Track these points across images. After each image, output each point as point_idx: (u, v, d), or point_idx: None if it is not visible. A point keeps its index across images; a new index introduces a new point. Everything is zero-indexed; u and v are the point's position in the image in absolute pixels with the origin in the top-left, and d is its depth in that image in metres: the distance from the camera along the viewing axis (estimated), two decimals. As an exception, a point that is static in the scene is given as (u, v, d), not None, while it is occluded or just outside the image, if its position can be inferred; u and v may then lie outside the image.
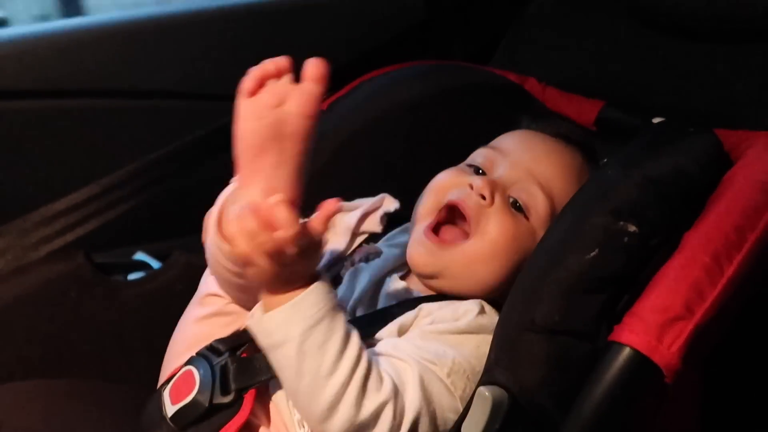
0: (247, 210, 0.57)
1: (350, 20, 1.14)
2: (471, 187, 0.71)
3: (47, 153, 1.02)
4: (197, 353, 0.71)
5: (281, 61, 0.60)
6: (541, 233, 0.70)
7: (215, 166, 1.00)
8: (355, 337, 0.62)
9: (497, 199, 0.71)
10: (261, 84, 0.60)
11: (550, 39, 1.08)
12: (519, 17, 1.12)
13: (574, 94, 1.01)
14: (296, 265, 0.59)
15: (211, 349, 0.71)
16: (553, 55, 1.07)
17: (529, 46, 1.10)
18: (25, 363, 0.79)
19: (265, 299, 0.62)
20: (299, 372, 0.60)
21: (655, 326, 0.54)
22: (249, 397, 0.68)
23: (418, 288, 0.74)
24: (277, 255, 0.57)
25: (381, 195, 0.83)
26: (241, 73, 1.10)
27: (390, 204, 0.83)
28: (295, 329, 0.59)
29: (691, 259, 0.56)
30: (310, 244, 0.59)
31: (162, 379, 0.76)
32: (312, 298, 0.60)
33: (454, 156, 0.83)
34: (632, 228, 0.58)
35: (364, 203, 0.83)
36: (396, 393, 0.60)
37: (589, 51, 1.03)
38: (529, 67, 1.07)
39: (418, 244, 0.73)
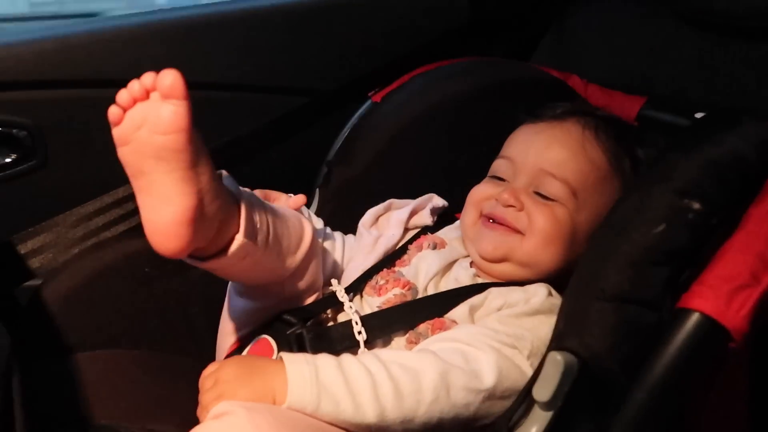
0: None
1: (399, 17, 1.18)
2: (498, 200, 0.78)
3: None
4: (265, 325, 0.76)
5: (135, 86, 0.62)
6: (575, 211, 0.77)
7: (269, 158, 1.05)
8: (377, 361, 0.64)
9: (525, 200, 0.77)
10: (125, 111, 0.63)
11: (592, 36, 1.12)
12: (560, 15, 1.17)
13: (616, 91, 1.05)
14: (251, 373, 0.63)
15: (281, 321, 0.75)
16: (594, 53, 1.11)
17: (571, 44, 1.14)
18: (101, 333, 0.83)
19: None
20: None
21: (723, 293, 0.57)
22: None
23: (483, 277, 0.79)
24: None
25: (428, 195, 0.90)
26: (296, 68, 1.15)
27: (437, 201, 0.89)
28: (309, 400, 0.62)
29: (755, 233, 0.60)
30: None
31: (221, 352, 0.80)
32: (293, 390, 0.62)
33: (497, 149, 0.87)
34: (696, 206, 0.62)
35: (413, 202, 0.89)
36: (447, 385, 0.63)
37: (631, 48, 1.06)
38: (571, 64, 1.11)
39: (482, 235, 0.78)
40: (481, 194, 0.81)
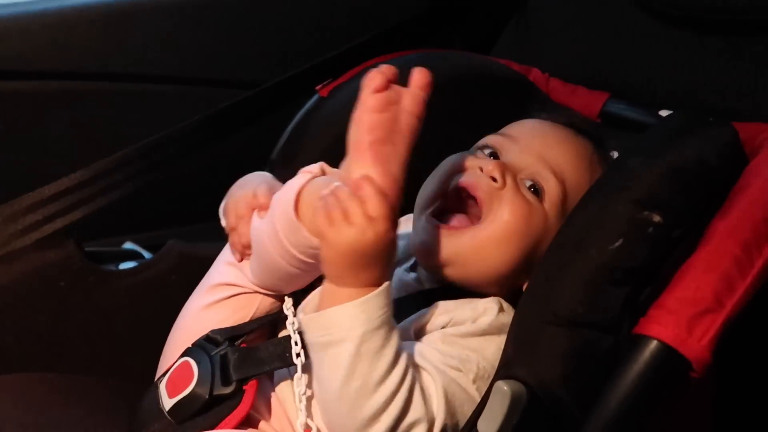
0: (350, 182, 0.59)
1: (352, 7, 1.11)
2: (481, 170, 0.70)
3: (36, 137, 0.98)
4: (193, 344, 0.69)
5: (394, 69, 0.65)
6: (552, 219, 0.69)
7: (205, 157, 0.98)
8: (403, 349, 0.60)
9: (509, 181, 0.69)
10: (387, 83, 0.64)
11: (553, 29, 1.06)
12: (521, 7, 1.11)
13: (578, 86, 1.00)
14: (377, 254, 0.58)
15: (208, 340, 0.69)
16: (555, 46, 1.05)
17: (532, 37, 1.08)
18: (9, 355, 0.75)
19: (327, 293, 0.60)
20: (350, 375, 0.57)
21: (684, 318, 0.52)
22: (250, 390, 0.66)
23: (426, 279, 0.72)
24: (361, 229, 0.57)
25: None
26: (238, 58, 1.08)
27: None
28: (357, 329, 0.57)
29: (720, 250, 0.55)
30: (390, 237, 0.59)
31: (160, 371, 0.73)
32: (380, 300, 0.59)
33: (456, 145, 0.81)
34: (657, 218, 0.56)
35: None
36: (427, 408, 0.59)
37: (593, 42, 1.01)
38: (532, 57, 1.06)
39: (423, 232, 0.70)
40: (461, 161, 0.72)
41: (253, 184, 0.77)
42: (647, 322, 0.54)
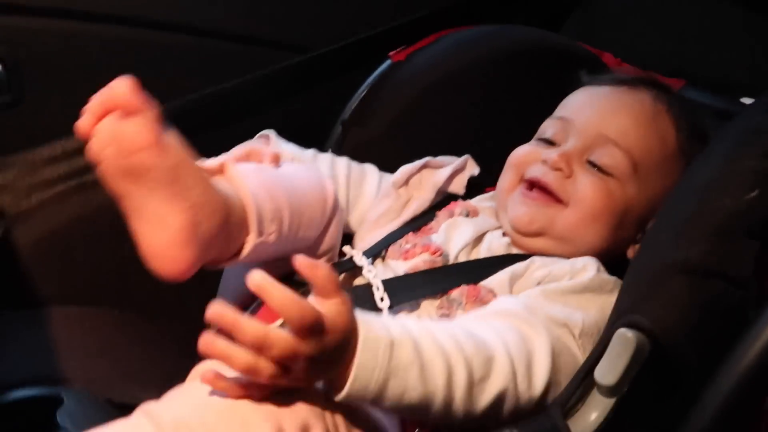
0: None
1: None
2: (545, 162, 0.70)
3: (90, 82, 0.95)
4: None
5: (95, 103, 0.56)
6: (630, 188, 0.69)
7: (273, 119, 0.95)
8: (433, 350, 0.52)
9: (575, 167, 0.70)
10: (90, 130, 0.56)
11: (626, 14, 1.06)
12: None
13: (652, 72, 0.99)
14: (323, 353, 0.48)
15: (291, 281, 0.65)
16: (629, 31, 1.05)
17: (604, 20, 1.08)
18: (81, 289, 0.72)
19: (336, 380, 0.51)
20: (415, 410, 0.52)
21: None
22: None
23: (518, 250, 0.71)
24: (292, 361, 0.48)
25: (465, 156, 0.81)
26: (299, 22, 1.05)
27: (473, 168, 0.80)
28: (371, 389, 0.50)
29: None
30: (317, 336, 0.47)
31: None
32: (364, 357, 0.49)
33: (527, 119, 0.81)
34: (791, 173, 0.55)
35: (449, 161, 0.80)
36: (514, 371, 0.55)
37: (667, 28, 1.01)
38: (603, 41, 1.05)
39: (519, 204, 0.71)
40: (525, 155, 0.73)
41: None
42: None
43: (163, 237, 0.56)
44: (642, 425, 0.56)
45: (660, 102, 0.74)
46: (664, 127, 0.72)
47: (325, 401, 0.52)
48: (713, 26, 0.96)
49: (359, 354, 0.49)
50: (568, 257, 0.68)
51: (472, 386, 0.53)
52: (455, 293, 0.65)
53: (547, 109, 0.81)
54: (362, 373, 0.49)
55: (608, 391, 0.53)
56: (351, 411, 0.53)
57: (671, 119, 0.73)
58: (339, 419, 0.53)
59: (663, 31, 1.01)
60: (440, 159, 0.80)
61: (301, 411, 0.50)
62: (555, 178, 0.69)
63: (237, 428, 0.48)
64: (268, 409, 0.50)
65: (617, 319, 0.55)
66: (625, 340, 0.52)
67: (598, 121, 0.71)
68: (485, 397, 0.54)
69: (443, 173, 0.78)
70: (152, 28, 0.98)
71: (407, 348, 0.50)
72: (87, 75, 0.93)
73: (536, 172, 0.70)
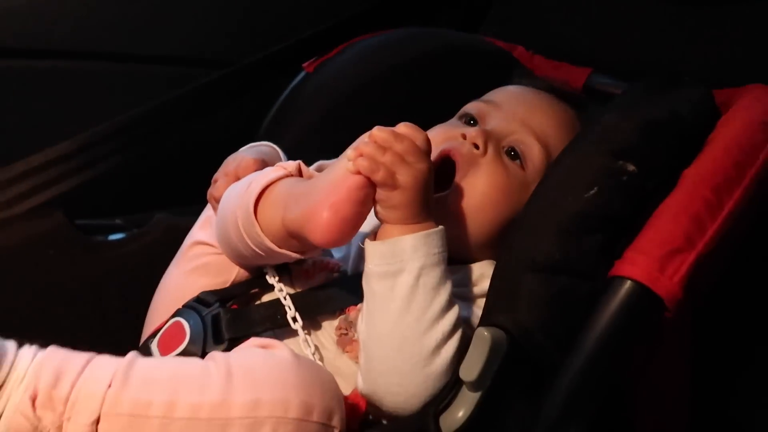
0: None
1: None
2: (464, 137, 0.69)
3: (21, 115, 0.99)
4: (184, 305, 0.70)
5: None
6: (532, 186, 0.68)
7: (191, 137, 0.98)
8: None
9: (490, 149, 0.69)
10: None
11: (537, 7, 1.08)
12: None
13: (561, 62, 1.01)
14: (430, 186, 0.59)
15: (199, 301, 0.70)
16: (540, 24, 1.07)
17: (517, 15, 1.10)
18: (4, 323, 0.75)
19: (388, 232, 0.60)
20: (405, 308, 0.57)
21: (656, 258, 0.53)
22: None
23: None
24: (416, 161, 0.58)
25: None
26: (219, 38, 1.08)
27: None
28: (416, 261, 0.58)
29: (692, 194, 0.56)
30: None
31: (145, 335, 0.74)
32: (438, 239, 0.59)
33: (437, 119, 0.80)
34: (631, 167, 0.58)
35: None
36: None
37: (576, 18, 1.03)
38: (517, 36, 1.07)
39: None
40: (440, 133, 0.71)
41: (258, 151, 0.77)
42: (621, 264, 0.55)
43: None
44: (516, 415, 0.60)
45: (580, 117, 0.75)
46: None
47: None
48: (618, 15, 0.98)
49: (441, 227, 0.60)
50: (460, 246, 0.67)
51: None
52: (353, 314, 0.66)
53: (458, 108, 0.84)
54: (440, 236, 0.59)
55: (473, 387, 0.56)
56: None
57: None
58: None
59: (571, 22, 1.03)
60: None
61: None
62: (467, 152, 0.68)
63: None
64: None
65: (481, 318, 0.59)
66: (482, 338, 0.56)
67: (524, 111, 0.72)
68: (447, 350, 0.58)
69: None
70: (74, 59, 1.01)
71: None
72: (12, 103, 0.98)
73: (452, 143, 0.69)
